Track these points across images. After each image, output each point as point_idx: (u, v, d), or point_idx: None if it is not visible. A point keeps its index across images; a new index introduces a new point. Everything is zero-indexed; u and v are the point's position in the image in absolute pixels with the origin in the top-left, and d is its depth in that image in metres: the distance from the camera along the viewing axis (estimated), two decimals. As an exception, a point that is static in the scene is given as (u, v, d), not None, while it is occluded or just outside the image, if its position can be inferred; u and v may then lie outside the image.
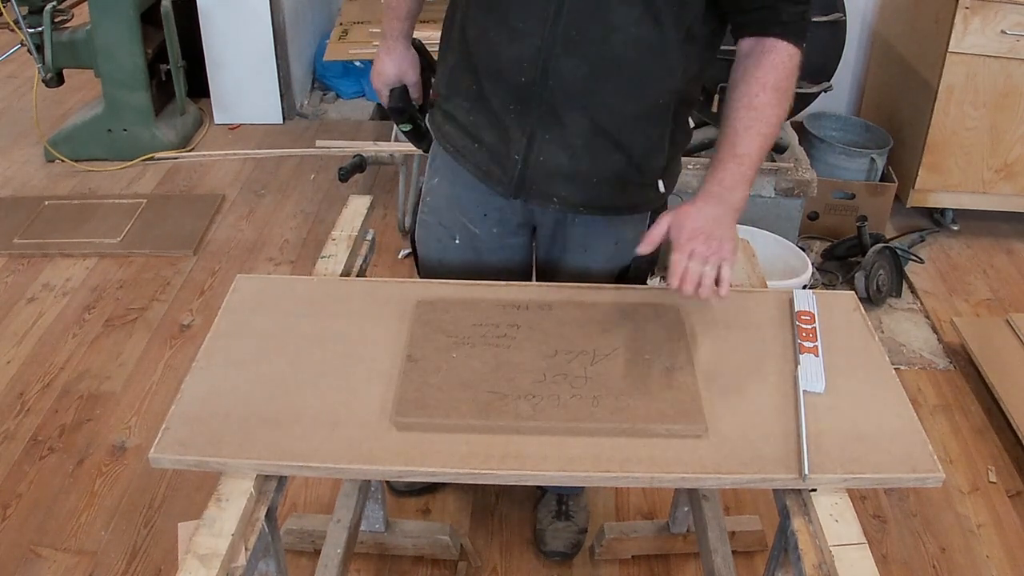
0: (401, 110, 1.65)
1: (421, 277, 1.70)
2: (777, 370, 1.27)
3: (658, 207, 1.54)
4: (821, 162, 3.17)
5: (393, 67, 1.62)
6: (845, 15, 2.72)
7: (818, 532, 1.07)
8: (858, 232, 3.01)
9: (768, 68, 1.30)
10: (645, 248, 1.29)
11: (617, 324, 1.33)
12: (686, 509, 1.89)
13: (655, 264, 1.64)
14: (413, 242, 1.71)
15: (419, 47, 1.66)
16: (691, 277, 1.24)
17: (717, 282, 1.25)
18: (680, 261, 1.25)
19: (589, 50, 1.32)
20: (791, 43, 1.31)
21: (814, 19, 2.65)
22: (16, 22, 3.34)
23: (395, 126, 1.70)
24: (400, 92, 1.64)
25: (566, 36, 1.32)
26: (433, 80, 1.65)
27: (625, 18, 1.30)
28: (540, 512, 2.01)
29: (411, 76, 1.63)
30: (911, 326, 2.80)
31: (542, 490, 2.05)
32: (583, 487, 2.02)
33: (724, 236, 1.27)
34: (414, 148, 2.74)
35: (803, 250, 2.78)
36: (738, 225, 1.73)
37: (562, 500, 2.00)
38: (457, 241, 1.61)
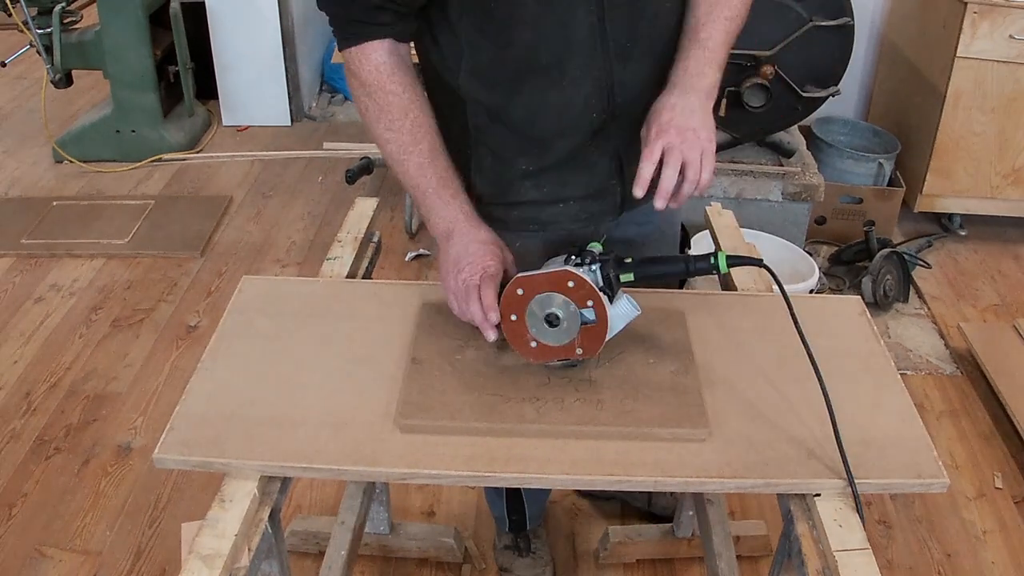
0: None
1: None
2: (782, 374, 1.26)
3: None
4: (829, 167, 3.17)
5: (496, 257, 1.25)
6: (853, 20, 2.72)
7: (822, 537, 1.07)
8: (865, 237, 3.01)
9: None
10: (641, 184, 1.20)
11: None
12: (691, 513, 1.89)
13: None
14: None
15: None
16: (665, 185, 1.17)
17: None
18: (647, 166, 1.18)
19: (640, 49, 1.26)
20: None
21: (822, 23, 2.65)
22: (25, 23, 3.35)
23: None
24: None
25: (618, 52, 1.24)
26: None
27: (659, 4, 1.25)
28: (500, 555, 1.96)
29: (510, 256, 1.30)
30: (918, 331, 2.79)
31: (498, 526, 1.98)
32: (540, 521, 1.99)
33: (697, 124, 1.19)
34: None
35: (810, 255, 2.77)
36: (744, 229, 1.74)
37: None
38: None
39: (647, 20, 1.25)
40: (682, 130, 1.19)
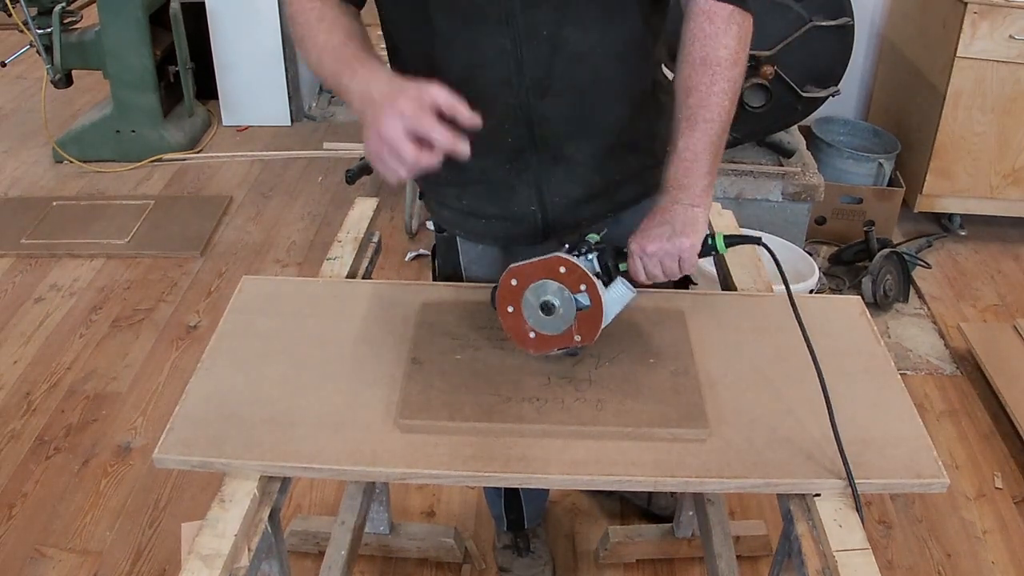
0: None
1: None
2: (781, 374, 1.26)
3: None
4: (829, 167, 3.17)
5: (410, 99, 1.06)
6: (853, 19, 2.72)
7: (822, 537, 1.07)
8: (865, 237, 3.01)
9: (694, 38, 1.19)
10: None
11: (622, 328, 1.33)
12: (691, 513, 1.89)
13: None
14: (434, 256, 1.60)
15: None
16: (639, 280, 1.20)
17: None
18: (634, 264, 1.20)
19: (560, 85, 1.24)
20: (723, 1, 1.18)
21: (822, 23, 2.65)
22: (25, 23, 3.35)
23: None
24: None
25: (535, 84, 1.23)
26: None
27: (582, 37, 1.21)
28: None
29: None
30: (918, 331, 2.79)
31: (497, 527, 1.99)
32: (539, 521, 1.99)
33: (678, 231, 1.18)
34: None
35: (810, 255, 2.77)
36: (744, 229, 1.74)
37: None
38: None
39: (566, 58, 1.22)
40: (660, 240, 1.18)
